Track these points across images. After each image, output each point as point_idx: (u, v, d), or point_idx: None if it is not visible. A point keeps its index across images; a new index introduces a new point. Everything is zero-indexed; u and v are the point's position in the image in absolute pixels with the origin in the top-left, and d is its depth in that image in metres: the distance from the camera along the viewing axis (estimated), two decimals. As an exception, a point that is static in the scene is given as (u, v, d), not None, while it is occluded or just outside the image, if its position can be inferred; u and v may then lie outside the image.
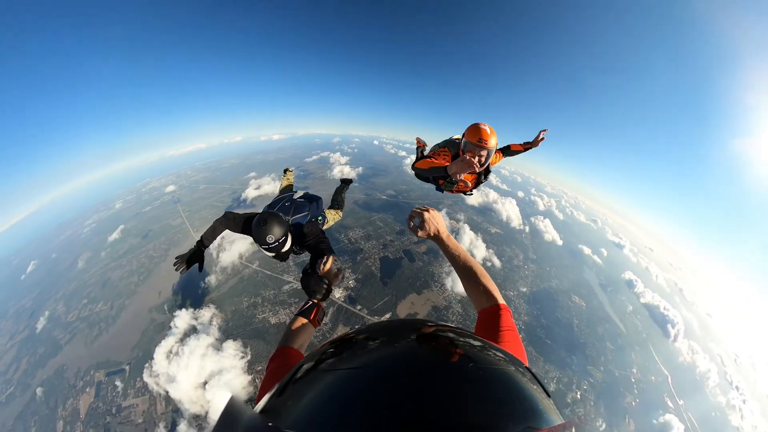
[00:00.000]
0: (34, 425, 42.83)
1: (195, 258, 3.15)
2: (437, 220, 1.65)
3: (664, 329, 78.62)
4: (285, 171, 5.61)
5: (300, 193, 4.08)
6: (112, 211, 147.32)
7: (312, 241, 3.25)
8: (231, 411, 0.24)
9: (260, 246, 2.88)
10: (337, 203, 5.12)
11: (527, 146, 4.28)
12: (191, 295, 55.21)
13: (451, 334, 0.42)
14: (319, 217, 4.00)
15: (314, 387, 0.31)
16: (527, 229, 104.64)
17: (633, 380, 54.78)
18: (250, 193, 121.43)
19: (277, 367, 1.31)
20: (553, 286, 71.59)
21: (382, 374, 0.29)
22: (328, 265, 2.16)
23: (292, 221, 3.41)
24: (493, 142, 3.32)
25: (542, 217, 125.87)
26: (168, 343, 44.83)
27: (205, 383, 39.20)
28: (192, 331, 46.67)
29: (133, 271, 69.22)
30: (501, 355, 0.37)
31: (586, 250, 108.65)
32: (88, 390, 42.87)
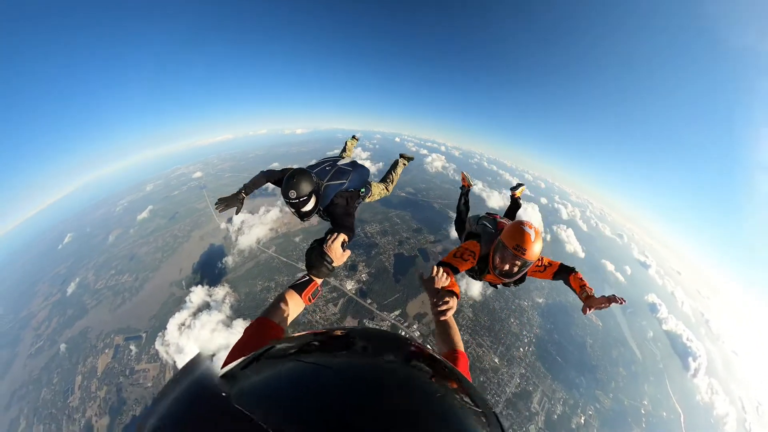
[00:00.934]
0: (57, 377, 46.25)
1: (232, 202, 3.23)
2: (439, 282, 1.91)
3: (685, 362, 72.27)
4: (353, 138, 5.57)
5: (347, 160, 3.89)
6: (143, 193, 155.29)
7: (338, 213, 3.24)
8: (193, 366, 0.25)
9: (283, 199, 2.95)
10: (388, 178, 4.85)
11: (583, 296, 2.95)
12: (209, 274, 57.25)
13: (429, 365, 0.40)
14: (362, 189, 3.87)
15: (276, 370, 0.31)
16: (548, 237, 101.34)
17: (642, 412, 50.98)
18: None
19: (249, 338, 1.27)
20: (570, 301, 67.89)
21: (346, 381, 0.28)
22: (334, 243, 1.96)
23: (326, 185, 3.32)
24: (535, 251, 2.63)
25: (565, 227, 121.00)
26: (182, 315, 46.90)
27: (212, 357, 40.52)
28: (205, 306, 48.55)
29: (158, 248, 72.64)
30: (470, 402, 0.34)
31: (609, 266, 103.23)
32: (106, 351, 46.16)
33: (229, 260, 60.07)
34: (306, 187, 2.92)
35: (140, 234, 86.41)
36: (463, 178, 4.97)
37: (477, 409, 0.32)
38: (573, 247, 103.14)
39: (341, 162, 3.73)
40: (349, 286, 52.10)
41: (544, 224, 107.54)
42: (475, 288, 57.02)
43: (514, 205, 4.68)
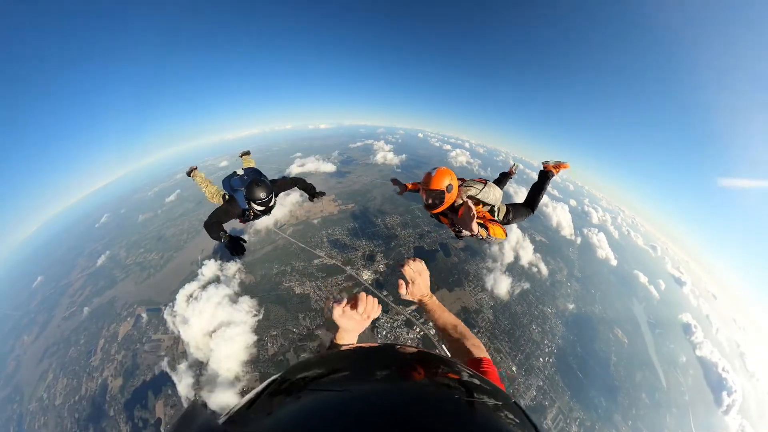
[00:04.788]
0: (83, 338, 50.00)
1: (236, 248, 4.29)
2: (422, 282, 1.64)
3: (717, 396, 63.51)
4: (243, 155, 6.63)
5: (254, 164, 5.66)
6: (174, 180, 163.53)
7: (284, 182, 4.89)
8: (190, 416, 0.21)
9: (255, 201, 3.84)
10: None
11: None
12: (228, 256, 58.16)
13: (457, 378, 0.36)
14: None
15: (287, 406, 0.28)
16: (579, 241, 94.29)
17: (661, 446, 46.15)
18: (294, 169, 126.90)
19: None
20: (596, 313, 62.78)
21: (364, 407, 0.25)
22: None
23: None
24: (437, 184, 3.34)
25: (596, 231, 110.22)
26: (191, 287, 48.08)
27: (214, 332, 40.37)
28: (215, 280, 49.54)
29: (183, 230, 75.94)
30: (512, 417, 0.31)
31: (642, 278, 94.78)
32: (128, 320, 49.11)
33: (245, 238, 61.03)
34: (269, 188, 3.89)
35: (168, 217, 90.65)
36: (511, 168, 5.65)
37: (508, 416, 0.30)
38: (605, 253, 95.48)
39: (255, 166, 5.31)
40: (366, 276, 50.93)
41: (574, 227, 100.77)
42: (502, 286, 53.73)
43: (537, 180, 5.14)
